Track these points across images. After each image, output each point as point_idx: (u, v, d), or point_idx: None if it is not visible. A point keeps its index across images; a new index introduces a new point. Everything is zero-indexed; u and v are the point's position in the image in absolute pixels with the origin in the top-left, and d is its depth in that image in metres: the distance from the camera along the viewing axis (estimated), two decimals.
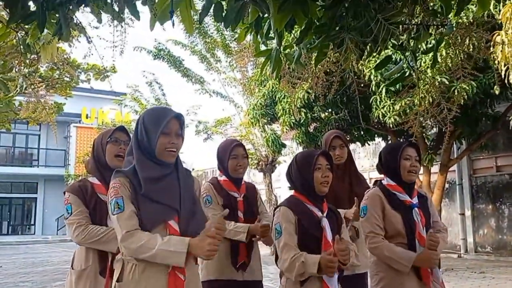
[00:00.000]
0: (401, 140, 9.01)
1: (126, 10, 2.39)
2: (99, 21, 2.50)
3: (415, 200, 2.28)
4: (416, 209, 2.25)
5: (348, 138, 9.95)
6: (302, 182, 2.07)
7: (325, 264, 1.85)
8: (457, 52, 5.86)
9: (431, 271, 2.19)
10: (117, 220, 1.67)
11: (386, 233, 2.23)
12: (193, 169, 24.64)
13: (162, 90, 17.67)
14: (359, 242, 2.57)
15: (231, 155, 2.77)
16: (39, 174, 25.67)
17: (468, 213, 11.73)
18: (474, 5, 5.03)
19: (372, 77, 6.44)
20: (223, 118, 16.53)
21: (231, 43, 13.34)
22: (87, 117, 25.46)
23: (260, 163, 14.50)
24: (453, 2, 2.22)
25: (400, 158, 2.28)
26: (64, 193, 2.28)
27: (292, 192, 2.17)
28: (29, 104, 6.00)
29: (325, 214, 2.05)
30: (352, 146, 12.91)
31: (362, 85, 7.94)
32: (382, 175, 2.39)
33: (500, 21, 5.00)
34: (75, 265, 2.26)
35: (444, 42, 5.86)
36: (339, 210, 2.23)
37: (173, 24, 1.83)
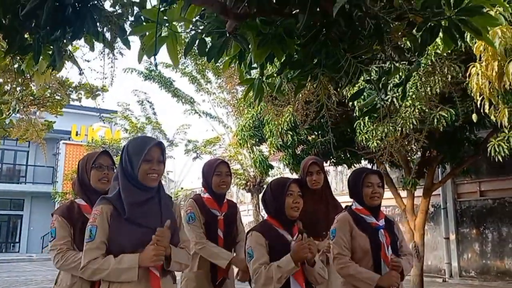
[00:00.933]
0: (370, 166, 9.21)
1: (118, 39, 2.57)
2: (92, 49, 2.67)
3: (381, 223, 2.44)
4: (381, 230, 2.41)
5: (334, 161, 10.14)
6: (275, 207, 2.22)
7: (296, 250, 2.01)
8: (437, 81, 6.13)
9: None
10: (85, 248, 1.85)
11: (354, 254, 2.37)
12: (181, 188, 24.62)
13: (153, 109, 17.83)
14: (331, 271, 2.71)
15: (215, 172, 2.91)
16: (26, 191, 25.43)
17: (452, 237, 11.90)
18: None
19: (355, 103, 6.65)
20: (212, 138, 16.70)
21: (221, 65, 13.62)
22: (77, 134, 25.44)
23: (248, 183, 14.62)
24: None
25: (362, 185, 2.44)
26: (52, 215, 2.40)
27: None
28: (20, 124, 6.09)
29: (294, 238, 2.19)
30: (339, 168, 13.11)
31: (347, 109, 8.18)
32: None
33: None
34: (61, 283, 2.34)
35: (423, 71, 6.14)
36: (316, 242, 2.38)
37: (156, 66, 1.99)
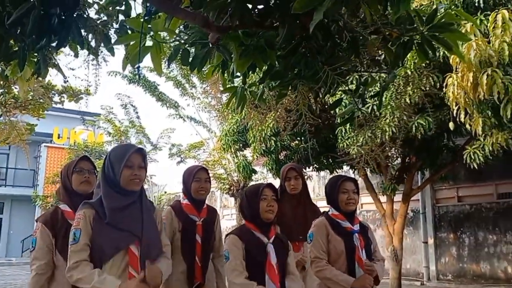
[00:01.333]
0: (352, 172, 9.38)
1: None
2: (76, 56, 2.71)
3: (356, 227, 2.56)
4: (356, 234, 2.54)
5: (316, 166, 10.28)
6: (251, 212, 2.32)
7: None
8: (415, 90, 6.31)
9: None
10: (70, 250, 1.92)
11: (330, 256, 2.48)
12: (165, 192, 24.49)
13: (137, 113, 17.76)
14: (307, 274, 2.80)
15: (194, 178, 2.97)
16: (6, 194, 24.96)
17: (431, 241, 12.14)
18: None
19: (337, 110, 6.80)
20: (196, 143, 16.70)
21: (206, 70, 13.65)
22: (58, 137, 25.11)
23: (232, 188, 14.67)
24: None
25: (338, 191, 2.55)
26: (37, 221, 2.45)
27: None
28: (2, 127, 6.04)
29: (271, 241, 2.28)
30: (321, 174, 13.27)
31: (329, 115, 8.33)
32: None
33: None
34: None
35: (402, 81, 6.30)
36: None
37: (139, 76, 2.06)
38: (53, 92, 8.38)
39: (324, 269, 2.42)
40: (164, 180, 20.77)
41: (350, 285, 2.36)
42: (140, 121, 17.79)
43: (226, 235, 2.35)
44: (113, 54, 2.70)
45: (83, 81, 2.45)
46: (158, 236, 2.06)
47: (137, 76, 13.88)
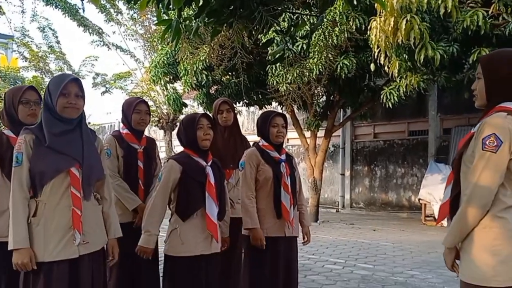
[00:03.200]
0: (280, 108, 9.82)
1: None
2: None
3: (283, 157, 2.87)
4: (283, 163, 2.84)
5: (246, 102, 10.53)
6: (188, 140, 2.52)
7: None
8: (342, 30, 6.62)
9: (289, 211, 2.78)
10: (13, 172, 2.03)
11: (259, 182, 2.79)
12: (89, 123, 23.64)
13: (57, 37, 16.50)
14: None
15: (134, 109, 3.08)
16: None
17: (347, 173, 13.26)
18: None
19: (269, 48, 6.95)
20: (123, 73, 16.09)
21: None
22: None
23: (161, 120, 14.59)
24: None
25: (269, 125, 2.82)
26: None
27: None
28: None
29: (209, 164, 2.53)
30: (251, 109, 13.61)
31: (261, 51, 8.47)
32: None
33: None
34: None
35: (330, 23, 6.55)
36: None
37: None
38: None
39: (249, 205, 2.75)
40: (88, 111, 19.90)
41: (249, 226, 2.72)
42: (61, 46, 16.59)
43: (166, 160, 2.55)
44: None
45: None
46: (99, 160, 2.19)
47: None
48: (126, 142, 3.05)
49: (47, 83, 2.18)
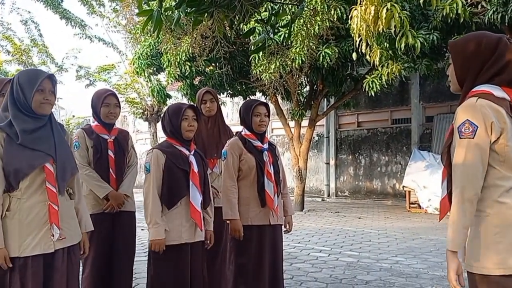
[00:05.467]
0: (264, 98, 9.87)
1: None
2: None
3: (265, 146, 2.90)
4: (266, 152, 2.88)
5: (230, 92, 10.54)
6: (172, 130, 2.54)
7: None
8: (324, 20, 6.65)
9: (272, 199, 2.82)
10: None
11: (243, 172, 2.82)
12: (73, 116, 23.35)
13: (39, 30, 16.24)
14: None
15: (103, 103, 3.06)
16: None
17: (332, 162, 13.39)
18: None
19: (251, 38, 6.96)
20: (106, 65, 15.92)
21: None
22: None
23: (146, 112, 14.51)
24: None
25: (252, 114, 2.84)
26: None
27: None
28: None
29: (192, 153, 2.56)
30: (235, 100, 13.61)
31: (244, 41, 8.47)
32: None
33: None
34: None
35: (311, 12, 6.57)
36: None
37: None
38: None
39: (230, 196, 2.77)
40: (72, 104, 19.70)
41: (229, 217, 2.76)
42: (43, 39, 16.35)
43: (149, 150, 2.57)
44: None
45: None
46: (71, 155, 2.22)
47: None
48: (96, 133, 3.04)
49: (14, 78, 2.14)
